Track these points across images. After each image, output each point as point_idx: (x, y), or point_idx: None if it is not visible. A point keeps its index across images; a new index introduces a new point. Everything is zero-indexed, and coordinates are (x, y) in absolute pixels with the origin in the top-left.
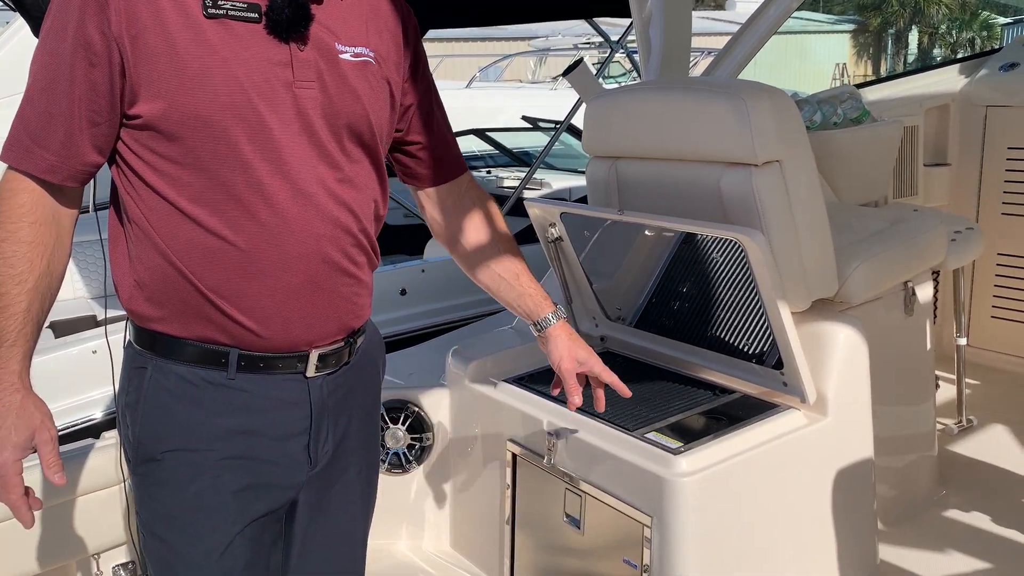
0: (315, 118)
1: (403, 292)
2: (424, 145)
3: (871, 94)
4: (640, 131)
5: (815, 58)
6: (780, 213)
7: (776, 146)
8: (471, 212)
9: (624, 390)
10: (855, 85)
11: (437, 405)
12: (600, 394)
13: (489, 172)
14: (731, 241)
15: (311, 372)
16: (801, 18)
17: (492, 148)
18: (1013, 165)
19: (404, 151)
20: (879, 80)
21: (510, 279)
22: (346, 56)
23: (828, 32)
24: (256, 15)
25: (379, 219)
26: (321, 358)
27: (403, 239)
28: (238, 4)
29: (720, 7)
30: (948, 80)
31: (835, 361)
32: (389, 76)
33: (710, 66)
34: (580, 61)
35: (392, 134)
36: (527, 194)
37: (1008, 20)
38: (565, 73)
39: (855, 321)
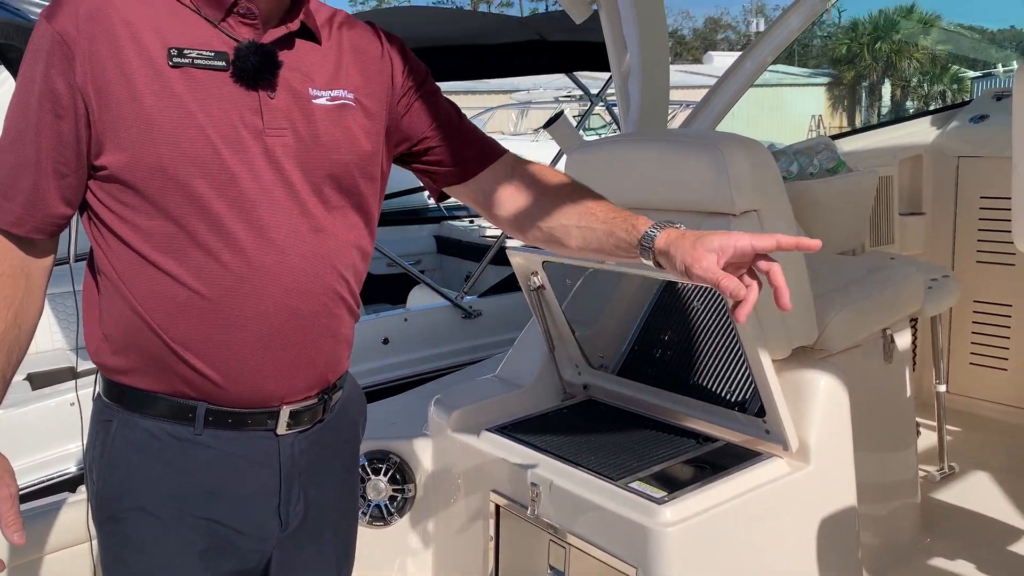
0: (289, 166)
1: (385, 341)
2: (442, 147)
3: (846, 145)
4: (620, 182)
5: (792, 110)
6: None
7: (753, 196)
8: (521, 185)
9: (810, 244)
10: (830, 136)
11: (419, 455)
12: (774, 278)
13: (472, 221)
14: (711, 289)
15: (282, 430)
16: (777, 71)
17: None
18: (986, 214)
19: (426, 162)
20: (854, 131)
21: (587, 222)
22: (322, 100)
23: (804, 85)
24: (223, 63)
25: (360, 268)
26: (293, 415)
27: (386, 288)
28: (204, 53)
29: (698, 61)
30: (920, 132)
31: (816, 409)
32: (374, 114)
33: (688, 118)
34: (561, 113)
35: (385, 173)
36: (510, 243)
37: (977, 73)
38: (546, 125)
39: (835, 369)
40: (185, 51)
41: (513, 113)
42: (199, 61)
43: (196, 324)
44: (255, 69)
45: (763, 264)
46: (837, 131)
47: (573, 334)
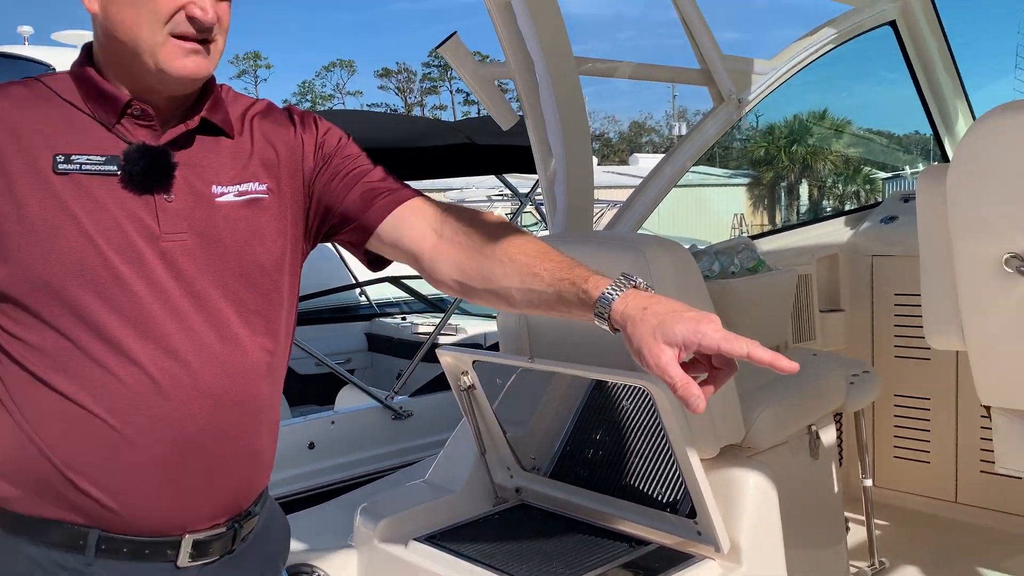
0: (192, 271)
1: (311, 446)
2: (356, 205)
3: (765, 244)
4: None
5: (715, 209)
6: None
7: (676, 296)
8: (452, 239)
9: (785, 366)
10: (751, 235)
11: (344, 569)
12: (717, 376)
13: (404, 319)
14: (639, 388)
15: (183, 561)
16: (700, 172)
17: (407, 295)
18: (900, 310)
19: (346, 229)
20: (772, 231)
21: (529, 284)
22: (228, 197)
23: (726, 185)
24: (114, 167)
25: (279, 375)
26: (197, 545)
27: (313, 388)
28: (93, 158)
29: (624, 162)
30: (836, 231)
31: (747, 508)
32: (288, 203)
33: (613, 218)
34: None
35: (299, 264)
36: (442, 340)
37: (888, 175)
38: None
39: (763, 467)
40: (72, 157)
41: None
42: (87, 167)
43: (89, 445)
44: (144, 172)
45: (720, 364)
46: (759, 228)
47: (504, 435)
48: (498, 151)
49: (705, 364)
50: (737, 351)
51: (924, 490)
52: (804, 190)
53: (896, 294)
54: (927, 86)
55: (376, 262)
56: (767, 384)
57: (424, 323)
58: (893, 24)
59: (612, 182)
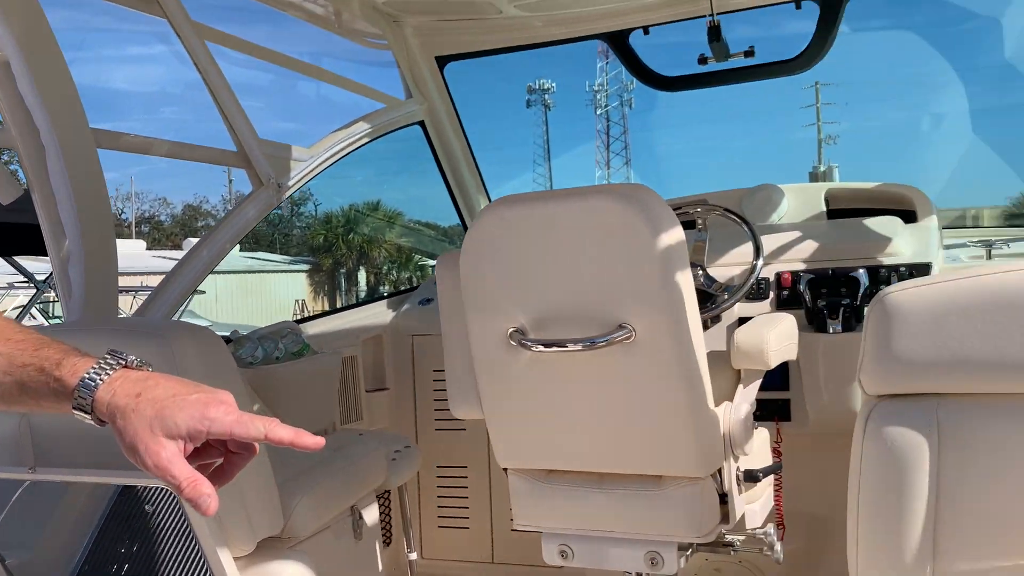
0: None
1: None
2: None
3: (311, 328)
4: None
5: (276, 294)
6: None
7: (206, 383)
8: None
9: (308, 443)
10: (297, 320)
11: None
12: (234, 462)
13: None
14: (165, 489)
15: None
16: (259, 258)
17: None
18: (438, 385)
19: None
20: (318, 316)
21: None
22: None
23: (287, 271)
24: None
25: None
26: None
27: None
28: None
29: (178, 247)
30: (380, 314)
31: None
32: None
33: (143, 305)
34: None
35: None
36: None
37: (433, 262)
38: None
39: (302, 555)
40: None
41: None
42: None
43: None
44: None
45: (237, 448)
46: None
47: (3, 563)
48: (3, 229)
49: (220, 448)
50: (253, 433)
51: (466, 555)
52: (362, 276)
53: (434, 370)
54: (453, 181)
55: None
56: (307, 470)
57: None
58: (422, 124)
59: (164, 267)
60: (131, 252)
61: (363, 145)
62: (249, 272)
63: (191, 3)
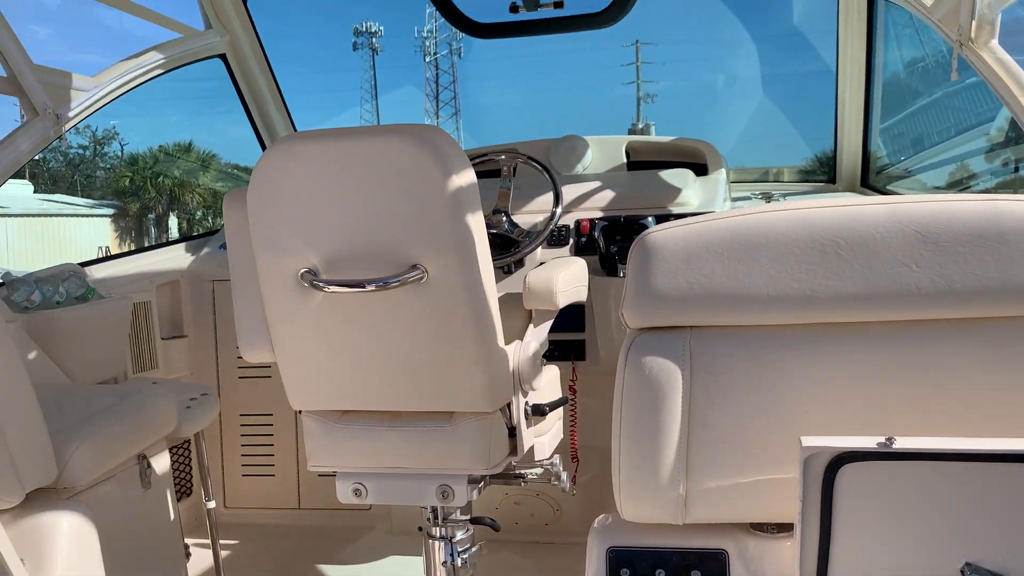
0: None
1: None
2: None
3: (99, 272)
4: None
5: (76, 241)
6: None
7: None
8: None
9: None
10: (81, 263)
11: None
12: None
13: None
14: None
15: None
16: (59, 201)
17: None
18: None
19: None
20: (107, 258)
21: None
22: None
23: (88, 216)
24: None
25: None
26: None
27: None
28: None
29: None
30: (177, 258)
31: (59, 553)
32: None
33: None
34: None
35: None
36: None
37: None
38: None
39: (80, 505)
40: None
41: None
42: None
43: None
44: None
45: None
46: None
47: None
48: None
49: None
50: None
51: (272, 503)
52: (173, 222)
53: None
54: (260, 121)
55: None
56: (87, 417)
57: None
58: (224, 57)
59: None
60: None
61: (156, 76)
62: (45, 215)
63: None
